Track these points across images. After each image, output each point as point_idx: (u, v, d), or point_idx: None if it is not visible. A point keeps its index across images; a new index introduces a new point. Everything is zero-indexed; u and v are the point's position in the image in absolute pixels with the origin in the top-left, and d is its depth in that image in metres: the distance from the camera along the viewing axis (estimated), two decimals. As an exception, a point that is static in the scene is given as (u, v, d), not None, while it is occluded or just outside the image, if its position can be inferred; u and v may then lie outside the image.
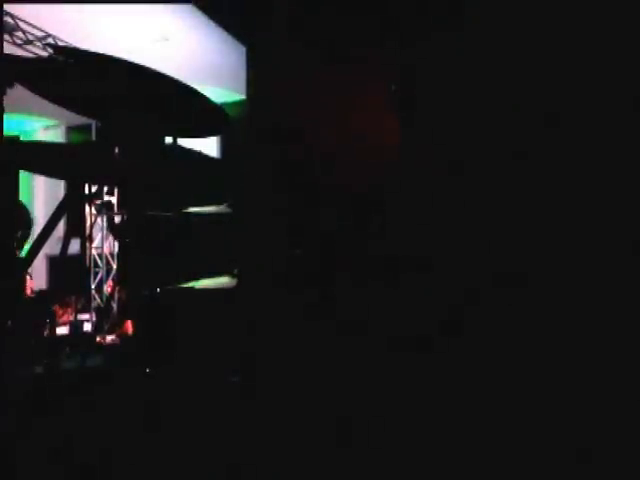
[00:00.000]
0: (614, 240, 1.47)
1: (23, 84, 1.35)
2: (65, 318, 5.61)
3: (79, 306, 5.69)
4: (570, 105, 1.52)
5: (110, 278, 5.96)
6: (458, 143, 1.65)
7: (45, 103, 1.47)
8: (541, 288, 1.53)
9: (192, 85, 1.46)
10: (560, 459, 1.44)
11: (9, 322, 1.54)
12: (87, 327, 5.59)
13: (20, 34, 4.97)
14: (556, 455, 1.45)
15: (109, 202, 5.97)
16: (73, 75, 1.34)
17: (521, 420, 1.50)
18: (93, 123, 6.84)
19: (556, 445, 1.45)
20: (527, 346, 1.53)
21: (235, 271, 2.18)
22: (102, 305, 5.74)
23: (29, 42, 5.08)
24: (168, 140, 2.13)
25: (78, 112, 1.59)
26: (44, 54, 4.99)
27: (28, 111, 6.38)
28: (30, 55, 5.06)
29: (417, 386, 1.64)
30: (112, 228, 5.66)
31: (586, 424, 1.45)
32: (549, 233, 1.54)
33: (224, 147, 6.02)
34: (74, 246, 6.11)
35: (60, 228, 1.96)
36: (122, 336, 5.03)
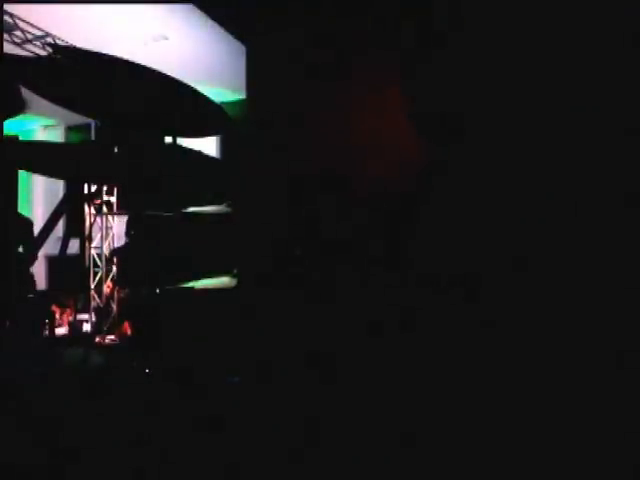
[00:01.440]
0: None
1: (23, 84, 1.35)
2: (64, 318, 5.60)
3: (79, 306, 5.68)
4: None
5: (109, 278, 5.95)
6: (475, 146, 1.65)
7: (45, 103, 1.47)
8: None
9: (192, 85, 1.46)
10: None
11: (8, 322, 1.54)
12: (86, 327, 5.58)
13: (19, 33, 4.96)
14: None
15: (108, 202, 5.96)
16: (73, 75, 1.34)
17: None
18: (92, 123, 6.83)
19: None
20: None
21: (235, 271, 2.18)
22: (101, 305, 5.73)
23: (28, 41, 5.07)
24: (168, 140, 2.12)
25: (78, 112, 1.59)
26: (43, 53, 4.98)
27: (28, 111, 6.37)
28: (29, 54, 5.05)
29: (416, 384, 1.64)
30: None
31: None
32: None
33: (224, 147, 6.02)
34: (74, 246, 6.10)
35: (59, 228, 1.96)
36: (121, 336, 5.03)
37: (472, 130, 1.63)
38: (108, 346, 5.02)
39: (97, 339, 5.23)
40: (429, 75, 1.69)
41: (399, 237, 1.74)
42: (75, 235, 5.94)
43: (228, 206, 2.17)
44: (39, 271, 6.68)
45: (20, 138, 7.06)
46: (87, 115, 1.68)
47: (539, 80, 1.56)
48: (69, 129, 7.44)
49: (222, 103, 1.57)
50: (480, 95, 1.63)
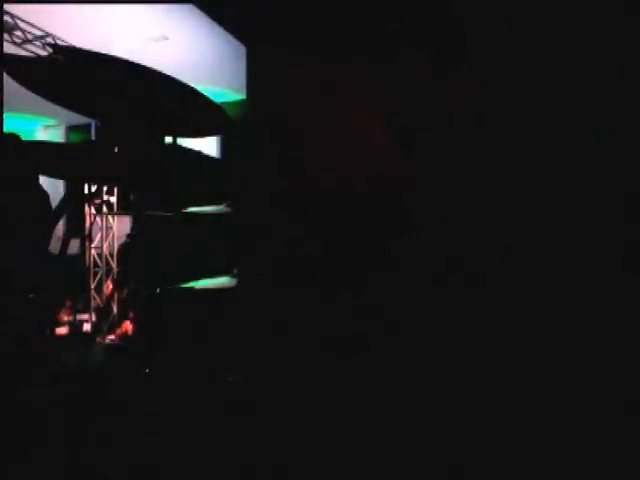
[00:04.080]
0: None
1: (23, 84, 1.35)
2: (64, 318, 5.60)
3: (79, 306, 5.68)
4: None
5: (109, 278, 5.95)
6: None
7: (45, 103, 1.47)
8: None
9: (192, 85, 1.46)
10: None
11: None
12: (86, 327, 5.58)
13: (19, 33, 4.97)
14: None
15: (108, 202, 5.97)
16: (73, 75, 1.34)
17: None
18: (92, 123, 6.83)
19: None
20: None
21: (235, 271, 2.18)
22: (102, 305, 5.74)
23: (28, 41, 5.07)
24: (168, 140, 2.12)
25: (78, 112, 1.59)
26: (43, 53, 4.98)
27: (28, 111, 6.38)
28: (29, 54, 5.05)
29: (417, 388, 1.64)
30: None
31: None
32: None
33: (224, 147, 6.02)
34: (74, 246, 6.10)
35: (59, 228, 1.95)
36: (121, 336, 5.03)
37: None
38: (108, 346, 5.02)
39: (97, 339, 5.23)
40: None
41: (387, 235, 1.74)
42: (75, 235, 5.94)
43: (228, 206, 2.17)
44: (39, 271, 6.66)
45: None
46: (87, 115, 1.68)
47: (529, 80, 1.56)
48: (69, 129, 7.44)
49: (222, 103, 1.57)
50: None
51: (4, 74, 1.43)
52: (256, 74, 1.96)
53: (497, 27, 1.61)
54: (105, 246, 5.95)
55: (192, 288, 2.16)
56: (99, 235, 5.97)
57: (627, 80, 1.48)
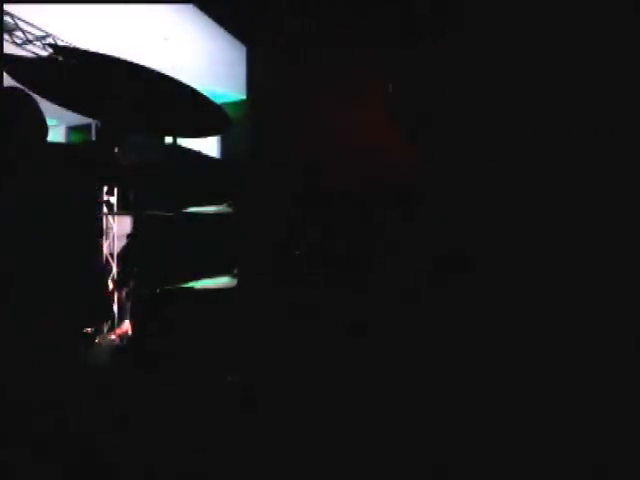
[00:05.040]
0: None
1: (23, 84, 1.35)
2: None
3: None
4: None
5: (109, 278, 5.94)
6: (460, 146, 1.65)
7: (45, 103, 1.47)
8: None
9: (192, 85, 1.46)
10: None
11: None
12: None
13: (19, 33, 4.96)
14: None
15: (108, 202, 5.95)
16: (73, 75, 1.34)
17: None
18: (93, 123, 6.82)
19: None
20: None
21: (235, 271, 2.18)
22: (102, 305, 5.72)
23: (29, 42, 5.07)
24: (168, 140, 2.13)
25: (78, 112, 1.59)
26: (44, 54, 4.98)
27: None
28: (30, 55, 5.05)
29: (415, 385, 1.65)
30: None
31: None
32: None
33: (224, 147, 6.01)
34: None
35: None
36: (121, 336, 5.03)
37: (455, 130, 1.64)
38: (108, 346, 5.01)
39: (97, 339, 5.23)
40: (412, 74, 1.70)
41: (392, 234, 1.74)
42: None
43: (228, 206, 2.17)
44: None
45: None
46: (87, 115, 1.69)
47: (522, 78, 1.56)
48: (69, 129, 7.43)
49: (222, 103, 1.57)
50: (466, 93, 1.63)
51: (4, 74, 1.43)
52: (256, 74, 1.96)
53: (499, 26, 1.61)
54: (105, 246, 5.95)
55: (192, 288, 2.16)
56: (99, 235, 5.95)
57: (625, 81, 1.48)
